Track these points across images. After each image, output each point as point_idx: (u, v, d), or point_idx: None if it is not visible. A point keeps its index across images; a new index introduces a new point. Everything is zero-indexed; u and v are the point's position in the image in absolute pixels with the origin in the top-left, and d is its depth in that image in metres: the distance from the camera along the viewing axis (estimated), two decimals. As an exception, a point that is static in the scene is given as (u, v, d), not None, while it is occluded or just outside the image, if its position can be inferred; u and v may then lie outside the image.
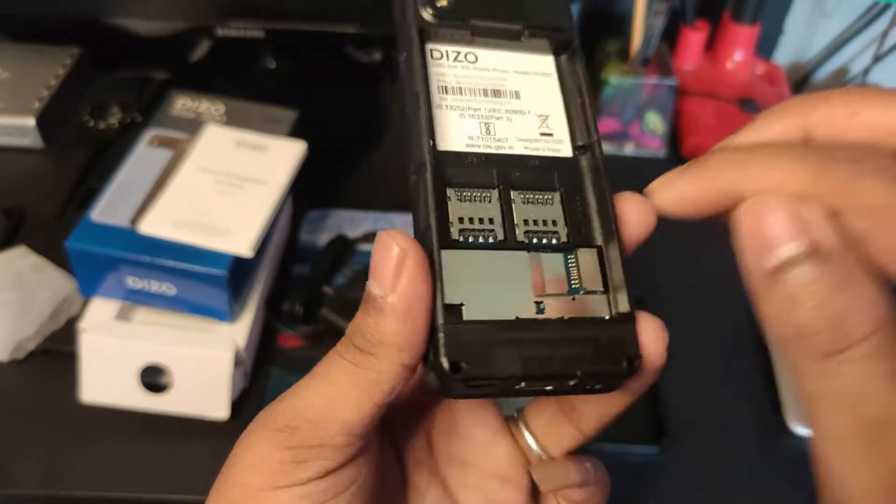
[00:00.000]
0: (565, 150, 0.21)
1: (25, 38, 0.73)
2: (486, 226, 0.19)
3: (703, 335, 0.55)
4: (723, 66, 0.73)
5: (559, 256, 0.20)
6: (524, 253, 0.19)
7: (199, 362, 0.45)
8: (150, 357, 0.45)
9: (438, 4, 0.21)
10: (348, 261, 0.58)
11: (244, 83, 0.70)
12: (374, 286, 0.19)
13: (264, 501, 0.20)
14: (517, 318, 0.19)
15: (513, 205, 0.20)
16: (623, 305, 0.19)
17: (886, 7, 0.75)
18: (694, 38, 0.72)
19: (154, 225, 0.45)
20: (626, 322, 0.19)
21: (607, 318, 0.19)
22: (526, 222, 0.20)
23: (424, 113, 0.20)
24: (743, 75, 0.72)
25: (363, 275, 0.54)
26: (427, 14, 0.21)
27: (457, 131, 0.20)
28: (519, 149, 0.21)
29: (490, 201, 0.20)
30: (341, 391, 0.20)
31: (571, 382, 0.18)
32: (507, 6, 0.22)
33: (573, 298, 0.19)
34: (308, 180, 0.56)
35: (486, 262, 0.19)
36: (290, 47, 0.70)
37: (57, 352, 0.50)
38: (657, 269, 0.59)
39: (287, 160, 0.50)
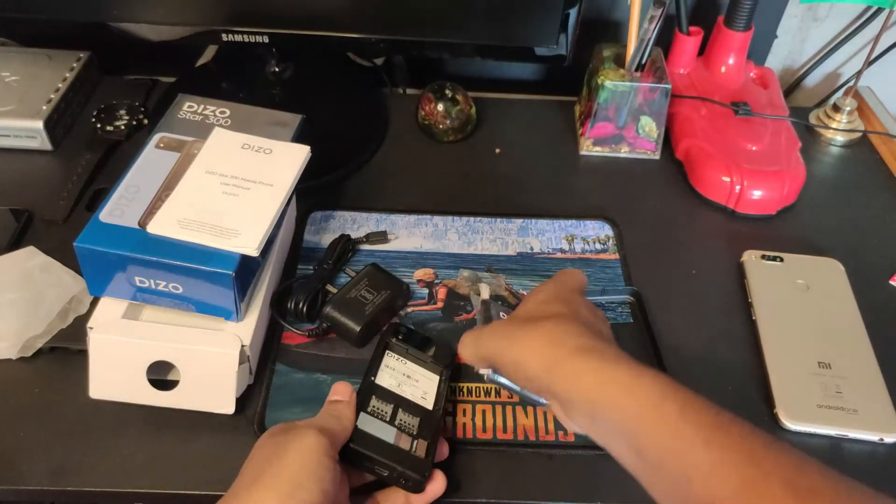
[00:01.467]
0: (429, 405, 0.47)
1: (34, 43, 0.74)
2: (383, 414, 0.45)
3: (699, 334, 0.56)
4: (716, 70, 0.73)
5: (410, 437, 0.45)
6: (395, 429, 0.45)
7: (206, 359, 0.46)
8: (158, 355, 0.46)
9: (399, 337, 0.50)
10: (351, 261, 0.59)
11: (249, 87, 0.71)
12: (335, 396, 0.45)
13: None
14: (384, 441, 0.44)
15: (398, 413, 0.46)
16: (430, 458, 0.44)
17: (878, 12, 0.76)
18: (688, 44, 0.73)
19: (162, 225, 0.46)
20: (429, 463, 0.44)
21: (423, 457, 0.44)
22: (402, 420, 0.45)
23: (372, 374, 0.48)
24: (736, 79, 0.73)
25: (365, 276, 0.55)
26: (391, 339, 0.50)
27: (385, 384, 0.47)
28: (410, 397, 0.47)
29: (390, 406, 0.46)
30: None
31: (392, 473, 0.43)
32: (427, 347, 0.51)
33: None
34: (312, 182, 0.56)
35: (379, 424, 0.45)
36: (294, 52, 0.71)
37: (65, 350, 0.51)
38: (656, 270, 0.60)
39: (292, 163, 0.51)
